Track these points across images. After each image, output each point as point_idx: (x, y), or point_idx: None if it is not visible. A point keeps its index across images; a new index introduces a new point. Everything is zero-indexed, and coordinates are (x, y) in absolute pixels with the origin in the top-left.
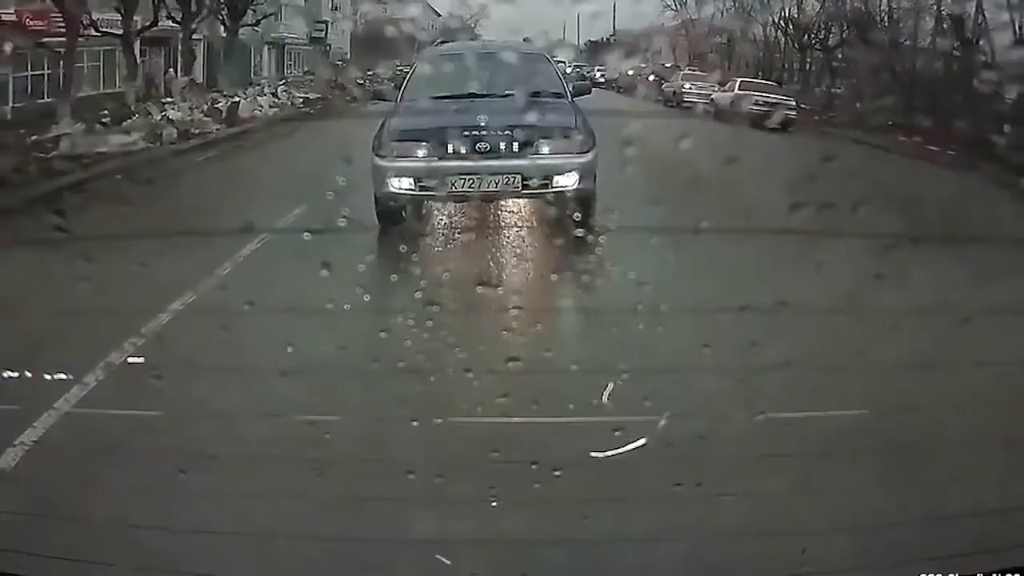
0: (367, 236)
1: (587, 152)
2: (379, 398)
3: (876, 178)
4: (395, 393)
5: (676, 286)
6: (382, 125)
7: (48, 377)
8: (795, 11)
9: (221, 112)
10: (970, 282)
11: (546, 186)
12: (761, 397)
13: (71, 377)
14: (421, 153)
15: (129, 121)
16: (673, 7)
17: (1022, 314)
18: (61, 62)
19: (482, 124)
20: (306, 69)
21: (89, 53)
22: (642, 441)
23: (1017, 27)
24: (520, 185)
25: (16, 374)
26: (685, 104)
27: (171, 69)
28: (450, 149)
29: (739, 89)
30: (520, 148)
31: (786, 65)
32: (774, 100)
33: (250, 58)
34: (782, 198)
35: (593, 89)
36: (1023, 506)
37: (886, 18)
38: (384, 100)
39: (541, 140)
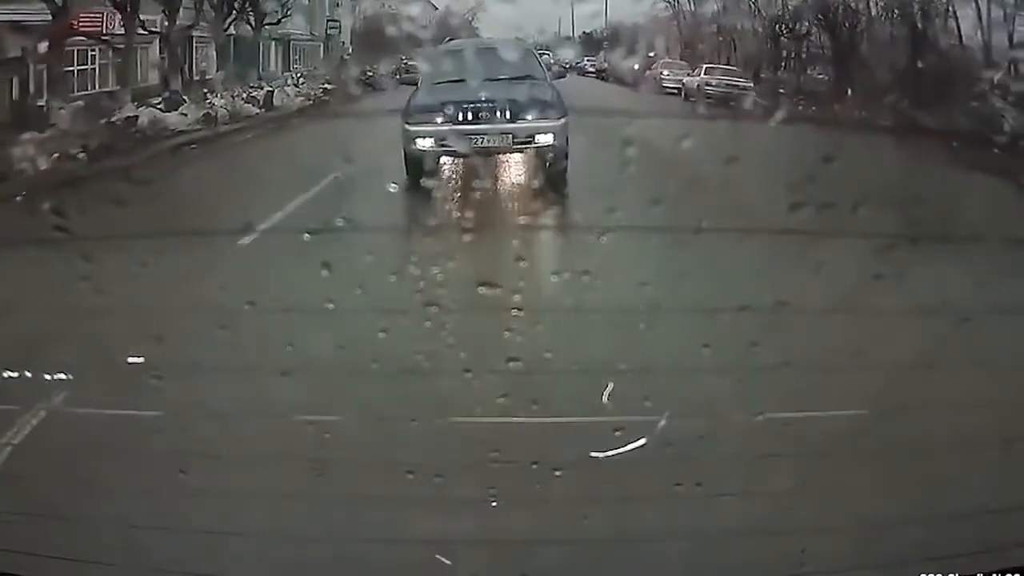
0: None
1: (560, 119)
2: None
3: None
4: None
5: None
6: (409, 100)
7: (48, 377)
8: (768, 4)
9: (258, 100)
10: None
11: (529, 142)
12: (761, 397)
13: (71, 377)
14: (439, 120)
15: (183, 107)
16: (667, 0)
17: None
18: (120, 58)
19: (483, 99)
20: (313, 67)
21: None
22: (642, 441)
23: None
24: (511, 142)
25: (16, 374)
26: (664, 89)
27: (204, 64)
28: (459, 117)
29: (704, 74)
30: (511, 116)
31: (783, 53)
32: (732, 82)
33: (259, 54)
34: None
35: (584, 77)
36: (1023, 506)
37: (843, 11)
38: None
39: (526, 110)
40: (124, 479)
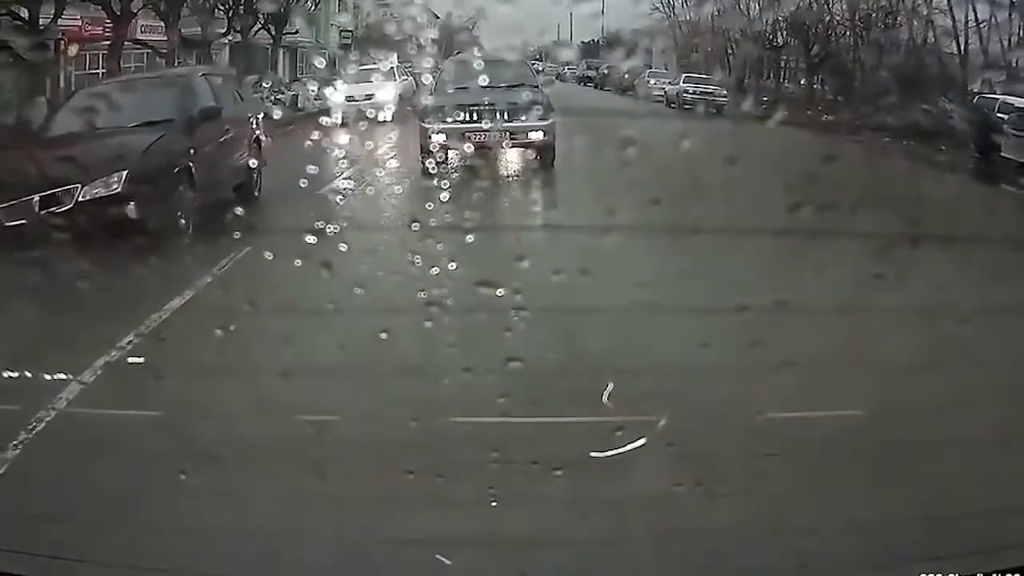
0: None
1: (548, 119)
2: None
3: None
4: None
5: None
6: (424, 103)
7: (48, 377)
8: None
9: (284, 102)
10: None
11: (523, 138)
12: (761, 397)
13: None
14: (449, 119)
15: None
16: (662, 10)
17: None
18: (164, 60)
19: (485, 102)
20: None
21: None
22: (642, 441)
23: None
24: (508, 137)
25: (16, 374)
26: (652, 96)
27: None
28: (465, 116)
29: (683, 82)
30: (508, 115)
31: (782, 63)
32: (709, 90)
33: (267, 59)
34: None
35: (575, 84)
36: (1023, 506)
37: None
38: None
39: (520, 111)
40: (124, 479)
